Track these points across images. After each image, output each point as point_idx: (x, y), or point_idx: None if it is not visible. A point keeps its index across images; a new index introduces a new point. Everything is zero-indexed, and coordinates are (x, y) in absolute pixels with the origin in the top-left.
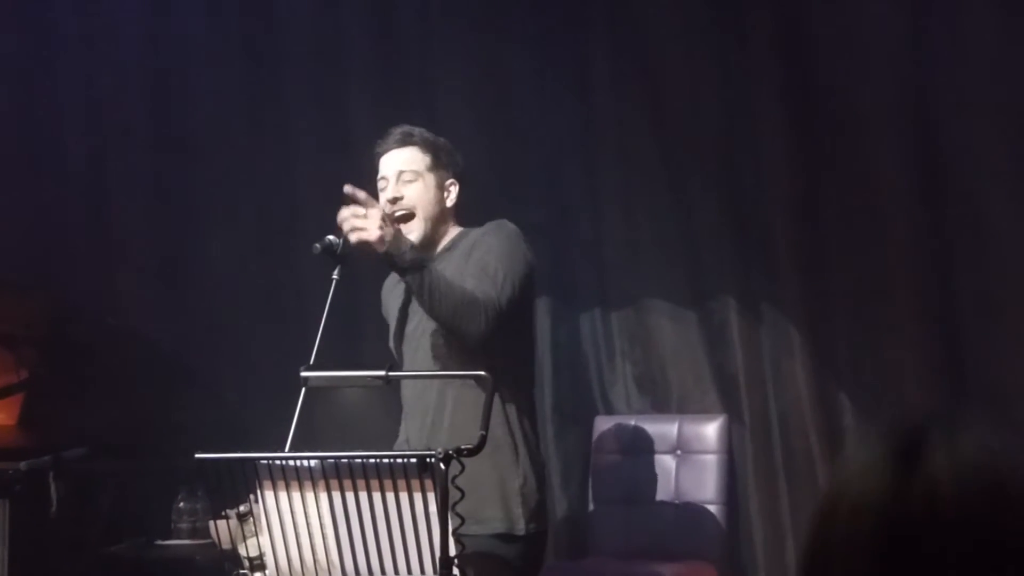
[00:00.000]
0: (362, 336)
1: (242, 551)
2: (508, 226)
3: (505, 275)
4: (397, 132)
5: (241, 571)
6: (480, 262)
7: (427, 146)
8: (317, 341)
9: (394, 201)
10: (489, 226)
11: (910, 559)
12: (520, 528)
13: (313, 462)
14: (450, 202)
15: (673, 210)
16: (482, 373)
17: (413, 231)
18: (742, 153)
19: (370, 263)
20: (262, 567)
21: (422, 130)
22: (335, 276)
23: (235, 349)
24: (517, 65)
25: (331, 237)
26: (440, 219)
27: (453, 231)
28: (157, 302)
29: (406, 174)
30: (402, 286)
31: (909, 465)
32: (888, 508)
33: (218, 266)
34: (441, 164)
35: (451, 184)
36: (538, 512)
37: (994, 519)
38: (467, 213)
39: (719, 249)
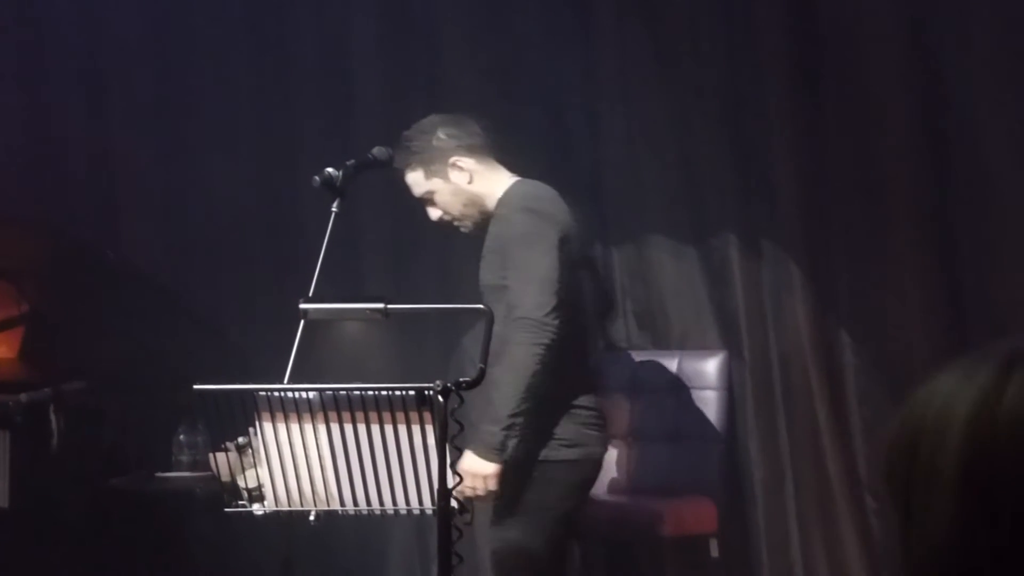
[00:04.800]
0: (362, 269)
1: (241, 483)
2: (522, 224)
3: (540, 297)
4: (396, 158)
5: (240, 502)
6: (515, 280)
7: (414, 161)
8: (316, 274)
9: (440, 220)
10: (510, 226)
11: (992, 459)
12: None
13: (312, 394)
14: (469, 179)
15: (674, 147)
16: (481, 307)
17: (462, 227)
18: (745, 90)
19: (372, 199)
20: (261, 498)
21: (403, 147)
22: (334, 209)
23: (235, 282)
24: (519, 6)
25: (330, 170)
26: (473, 201)
27: (499, 187)
28: (157, 236)
29: (423, 200)
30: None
31: (1008, 372)
32: (981, 407)
33: (218, 199)
34: (433, 162)
35: (455, 163)
36: (538, 443)
37: None
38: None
39: (720, 186)
